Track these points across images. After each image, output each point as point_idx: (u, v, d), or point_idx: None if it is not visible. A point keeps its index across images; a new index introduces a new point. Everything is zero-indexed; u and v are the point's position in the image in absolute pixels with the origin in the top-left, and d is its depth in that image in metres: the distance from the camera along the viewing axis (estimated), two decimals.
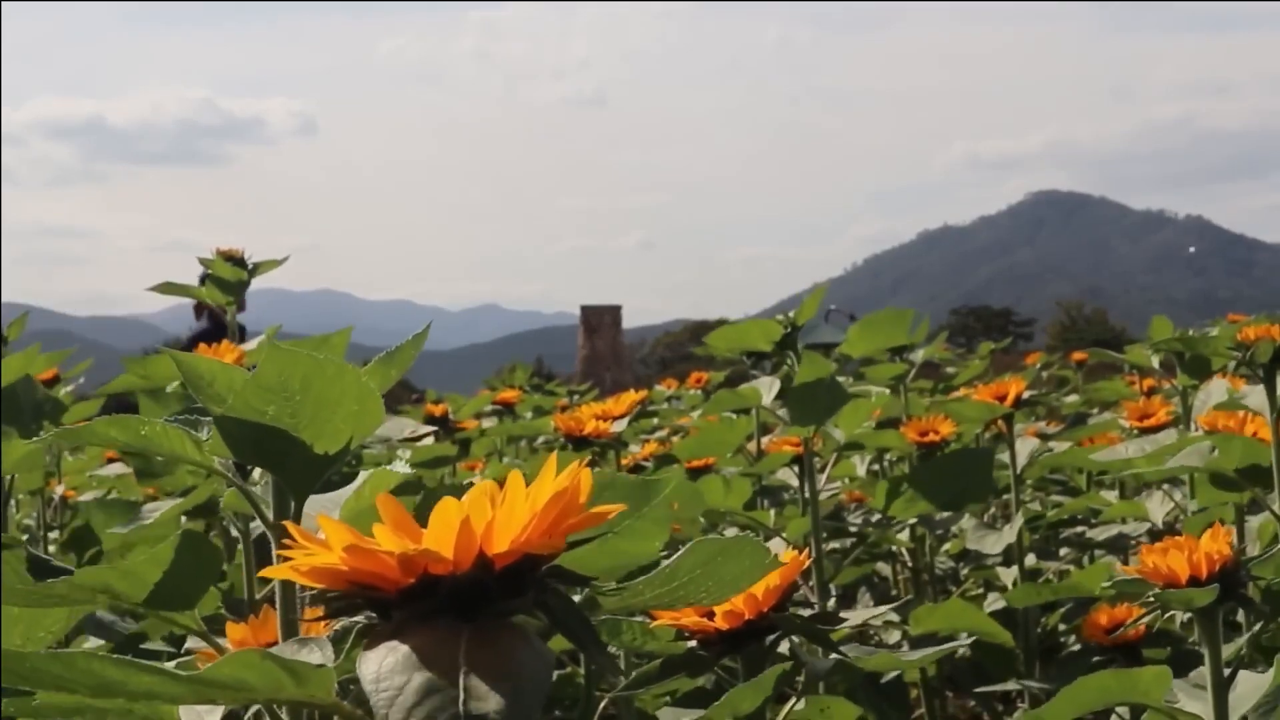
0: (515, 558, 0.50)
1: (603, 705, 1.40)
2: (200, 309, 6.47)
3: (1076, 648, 2.06)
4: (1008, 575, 2.13)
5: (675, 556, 0.60)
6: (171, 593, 0.79)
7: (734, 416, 2.30)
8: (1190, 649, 1.74)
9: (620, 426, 1.99)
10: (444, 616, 0.49)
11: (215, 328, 6.13)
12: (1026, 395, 2.08)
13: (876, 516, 2.18)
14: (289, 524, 0.54)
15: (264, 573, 0.52)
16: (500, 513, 0.49)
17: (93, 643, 1.45)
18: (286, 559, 0.50)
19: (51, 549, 2.47)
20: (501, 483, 0.51)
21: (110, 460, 2.48)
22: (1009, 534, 2.01)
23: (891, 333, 2.10)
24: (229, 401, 0.69)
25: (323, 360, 0.66)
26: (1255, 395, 1.50)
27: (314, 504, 0.76)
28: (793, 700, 1.11)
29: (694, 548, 0.60)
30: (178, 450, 0.75)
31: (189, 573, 0.79)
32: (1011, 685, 2.02)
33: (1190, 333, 1.63)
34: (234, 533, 1.44)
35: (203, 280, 2.19)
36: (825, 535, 1.99)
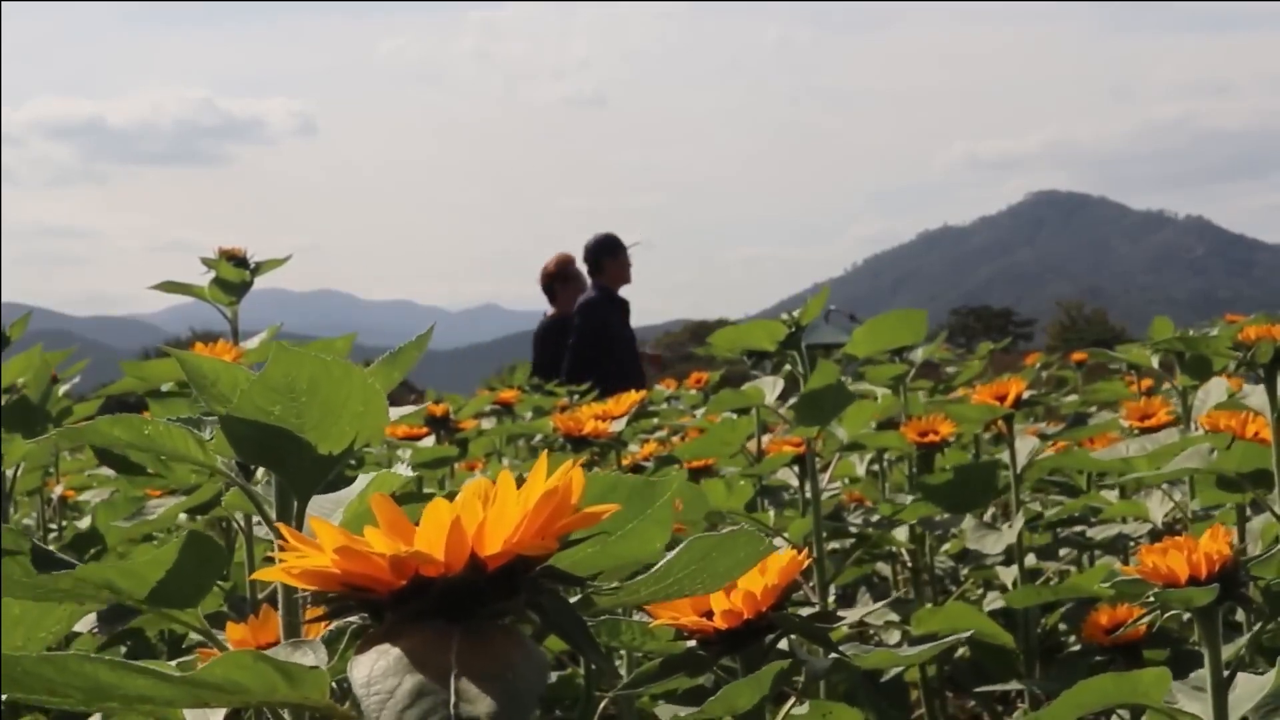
0: (507, 559, 0.50)
1: (603, 705, 1.40)
2: (553, 277, 6.22)
3: (1077, 648, 2.06)
4: (1008, 575, 2.13)
5: (671, 555, 0.60)
6: (174, 591, 0.79)
7: (735, 417, 2.30)
8: (1190, 649, 1.74)
9: (620, 426, 1.99)
10: (436, 618, 0.49)
11: (604, 299, 5.98)
12: (1026, 395, 2.08)
13: (876, 517, 2.18)
14: (281, 525, 0.54)
15: (257, 575, 0.52)
16: (492, 514, 0.49)
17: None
18: (281, 560, 0.50)
19: (51, 549, 2.47)
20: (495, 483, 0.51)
21: None
22: (1009, 534, 2.01)
23: (900, 333, 2.09)
24: (234, 401, 0.69)
25: (329, 361, 0.66)
26: (1256, 395, 1.50)
27: (317, 504, 0.76)
28: (792, 700, 1.11)
29: (690, 545, 0.60)
30: (180, 449, 0.75)
31: (191, 571, 0.79)
32: (1012, 686, 2.02)
33: (1190, 333, 1.63)
34: (237, 529, 1.44)
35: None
36: (826, 535, 1.99)
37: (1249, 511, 1.77)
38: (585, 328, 5.87)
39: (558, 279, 6.28)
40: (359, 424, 0.69)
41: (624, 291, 6.08)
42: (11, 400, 1.82)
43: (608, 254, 6.02)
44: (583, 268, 6.13)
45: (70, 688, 0.50)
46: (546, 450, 0.58)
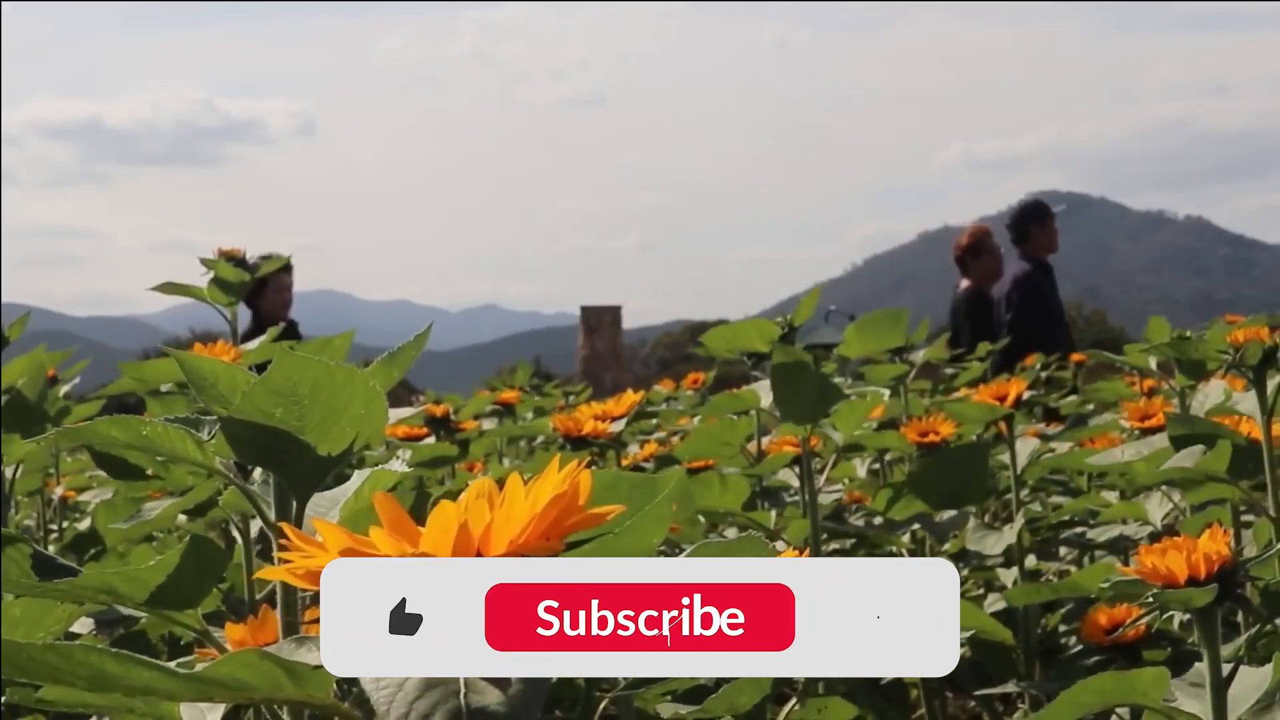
0: None
1: (603, 705, 1.40)
2: (966, 250, 6.14)
3: (1077, 648, 2.07)
4: (1008, 576, 2.13)
5: (679, 558, 0.61)
6: (173, 594, 0.79)
7: (734, 418, 2.30)
8: (1189, 649, 1.74)
9: (620, 427, 1.99)
10: None
11: (1038, 270, 5.84)
12: (1026, 396, 2.08)
13: (879, 519, 2.18)
14: (286, 526, 0.54)
15: (260, 574, 0.52)
16: (498, 515, 0.49)
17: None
18: (285, 561, 0.50)
19: (51, 549, 2.47)
20: (501, 483, 0.52)
21: None
22: (1010, 535, 2.01)
23: (888, 333, 2.10)
24: (235, 403, 0.69)
25: (332, 366, 0.67)
26: (1249, 400, 1.51)
27: (313, 503, 0.76)
28: (793, 701, 1.11)
29: (698, 550, 0.61)
30: (179, 450, 0.75)
31: (191, 575, 0.80)
32: (1011, 687, 2.02)
33: (1187, 334, 1.63)
34: (234, 531, 1.44)
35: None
36: (825, 536, 1.99)
37: (1244, 515, 1.77)
38: (1024, 302, 5.71)
39: (969, 252, 6.17)
40: (360, 426, 0.70)
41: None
42: (8, 400, 1.82)
43: (1035, 221, 5.91)
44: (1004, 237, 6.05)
45: (74, 676, 0.51)
46: (555, 451, 0.58)
